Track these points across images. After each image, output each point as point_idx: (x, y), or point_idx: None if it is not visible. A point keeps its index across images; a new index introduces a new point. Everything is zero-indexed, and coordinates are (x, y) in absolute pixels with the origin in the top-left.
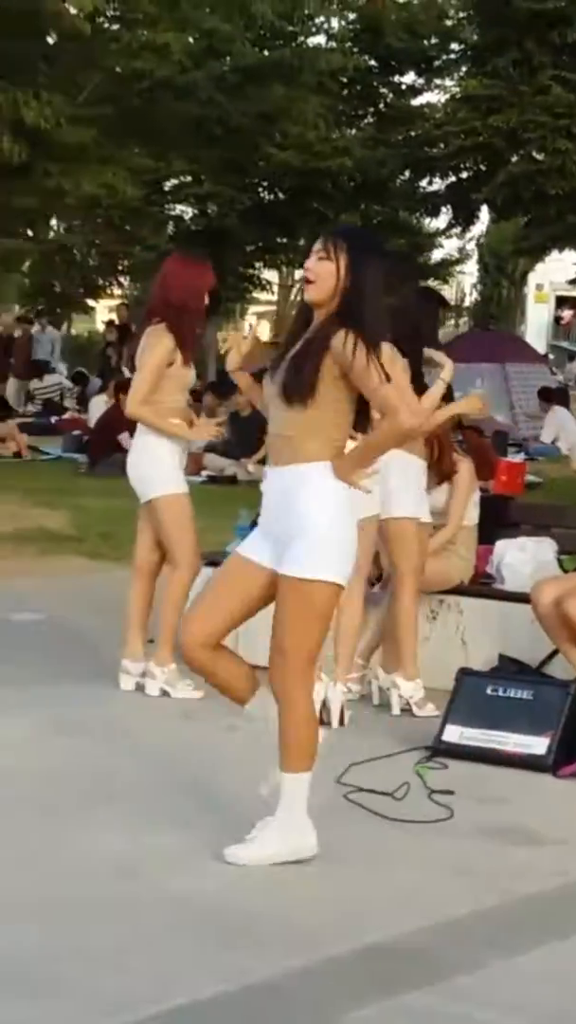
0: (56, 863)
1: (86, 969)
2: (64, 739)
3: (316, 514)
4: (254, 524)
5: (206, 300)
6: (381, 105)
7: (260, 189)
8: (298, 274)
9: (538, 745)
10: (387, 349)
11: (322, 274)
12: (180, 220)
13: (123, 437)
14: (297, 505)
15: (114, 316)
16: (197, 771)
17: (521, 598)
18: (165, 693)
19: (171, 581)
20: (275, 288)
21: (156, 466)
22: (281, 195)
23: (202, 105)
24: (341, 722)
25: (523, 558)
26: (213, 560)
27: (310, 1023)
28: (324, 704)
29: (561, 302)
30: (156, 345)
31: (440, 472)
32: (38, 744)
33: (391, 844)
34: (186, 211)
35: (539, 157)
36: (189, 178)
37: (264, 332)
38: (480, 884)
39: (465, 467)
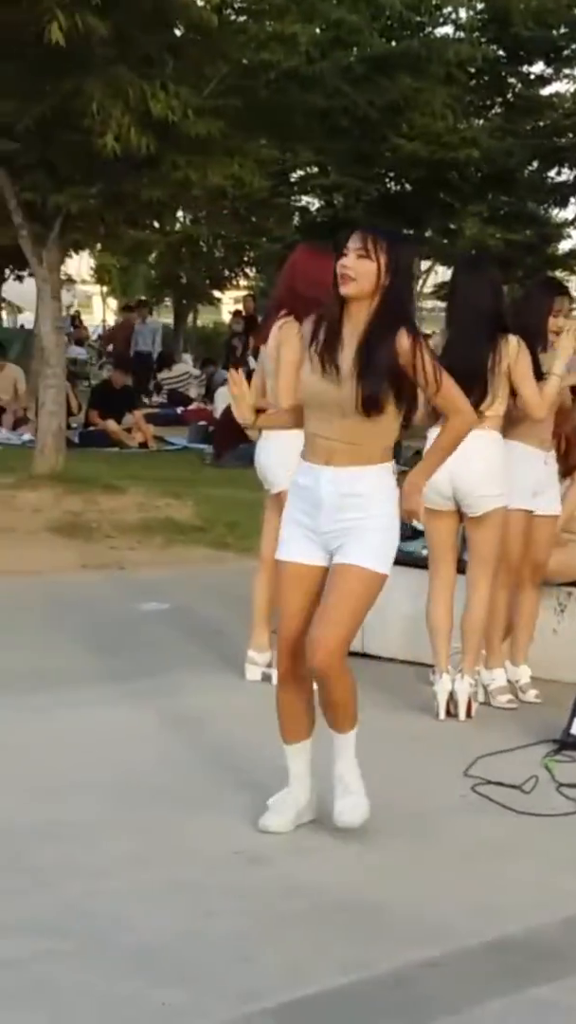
0: (186, 851)
1: (215, 957)
2: (191, 729)
3: (389, 513)
4: None
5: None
6: (509, 95)
7: (387, 180)
8: (424, 264)
9: None
10: (514, 342)
11: (362, 272)
12: (306, 211)
13: None
14: (367, 504)
15: (240, 307)
16: (326, 760)
17: None
18: (267, 678)
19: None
20: None
21: (285, 457)
22: (408, 186)
23: (329, 96)
24: (468, 714)
25: None
26: None
27: (437, 1015)
28: (451, 696)
29: None
30: (290, 338)
31: (567, 466)
32: (165, 734)
33: (520, 837)
34: (312, 202)
35: None
36: (315, 169)
37: None
38: None
39: None
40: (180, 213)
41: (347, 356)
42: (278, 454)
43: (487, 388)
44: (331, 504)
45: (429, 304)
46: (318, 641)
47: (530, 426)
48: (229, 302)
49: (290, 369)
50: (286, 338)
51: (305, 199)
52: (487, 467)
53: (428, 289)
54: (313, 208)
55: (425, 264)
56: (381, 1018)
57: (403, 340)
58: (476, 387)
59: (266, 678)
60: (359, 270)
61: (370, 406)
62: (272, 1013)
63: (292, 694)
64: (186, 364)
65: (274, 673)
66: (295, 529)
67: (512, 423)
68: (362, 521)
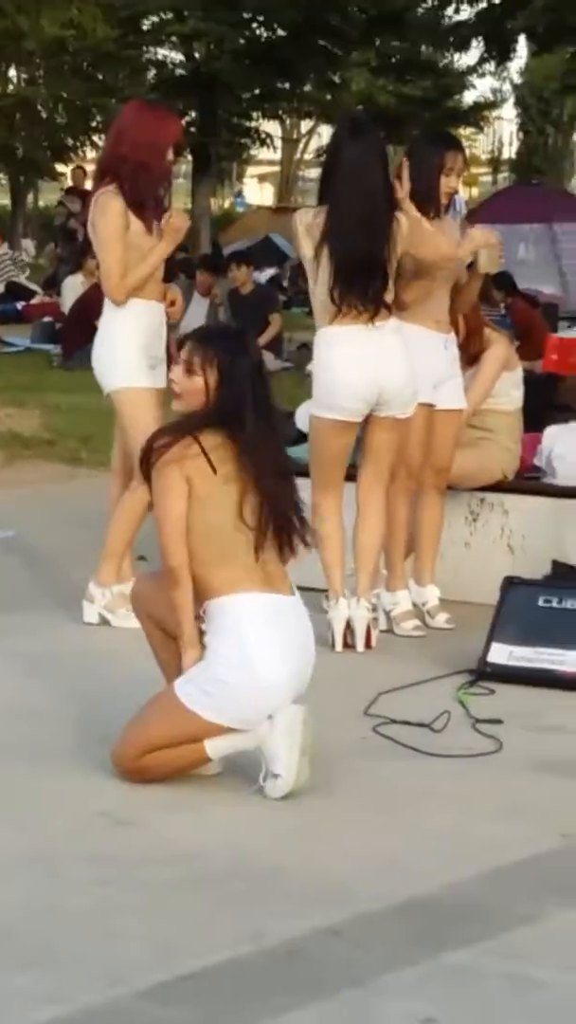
0: (39, 814)
1: (76, 934)
2: (42, 674)
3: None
4: None
5: (169, 156)
6: None
7: (255, 25)
8: (304, 126)
9: None
10: (405, 221)
11: (189, 388)
12: (162, 65)
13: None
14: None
15: (71, 181)
16: None
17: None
18: (104, 620)
19: (130, 489)
20: (278, 143)
21: (117, 352)
22: (280, 31)
23: None
24: (368, 644)
25: None
26: None
27: (339, 988)
28: (348, 625)
29: None
30: (104, 211)
31: (469, 355)
32: (12, 680)
33: (430, 783)
34: (169, 54)
35: None
36: (171, 15)
37: (267, 196)
38: (535, 826)
39: (499, 343)
40: (12, 72)
41: None
42: (108, 351)
43: (387, 276)
44: None
45: (312, 173)
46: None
47: (422, 305)
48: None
49: (114, 240)
50: (102, 210)
51: (160, 51)
52: (408, 361)
53: (309, 155)
54: (170, 62)
55: (306, 125)
56: (273, 995)
57: None
58: (376, 277)
59: (104, 620)
60: (185, 386)
61: None
62: (144, 996)
63: None
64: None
65: (111, 615)
66: None
67: (400, 304)
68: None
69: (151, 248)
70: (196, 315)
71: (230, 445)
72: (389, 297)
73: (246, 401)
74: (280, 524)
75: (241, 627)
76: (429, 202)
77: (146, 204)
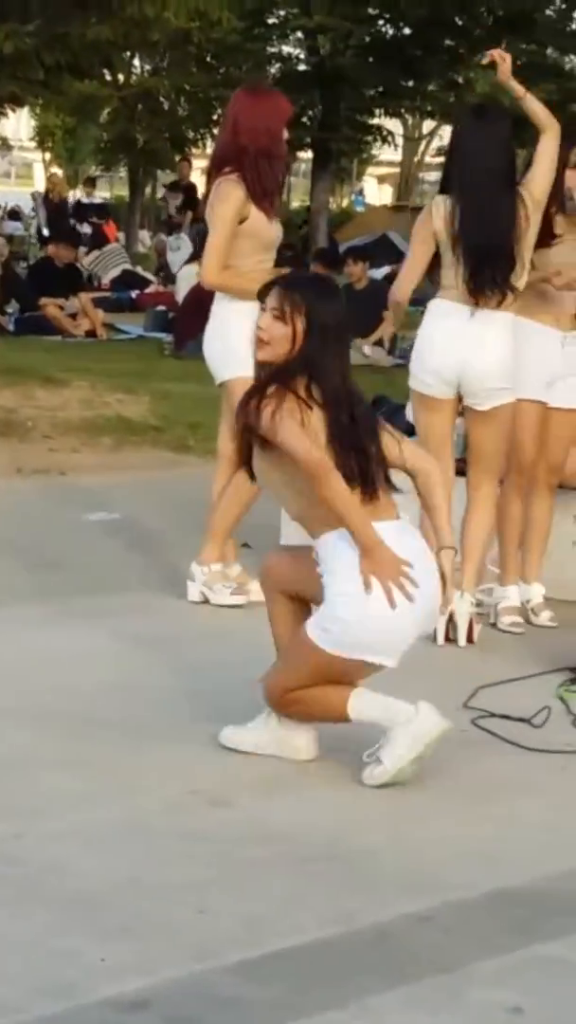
0: (135, 790)
1: (165, 908)
2: (142, 653)
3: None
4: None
5: (285, 138)
6: None
7: (381, 22)
8: (427, 127)
9: None
10: (529, 199)
11: (277, 335)
12: (286, 60)
13: None
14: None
15: (175, 176)
16: None
17: None
18: (205, 598)
19: (238, 474)
20: (399, 142)
21: (231, 342)
22: (406, 30)
23: None
24: (470, 639)
25: None
26: None
27: (426, 974)
28: (451, 619)
29: None
30: (225, 198)
31: None
32: (112, 658)
33: (528, 776)
34: (293, 49)
35: None
36: (296, 9)
37: (386, 197)
38: None
39: None
40: (136, 62)
41: None
42: (221, 341)
43: (515, 259)
44: None
45: (432, 176)
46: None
47: (542, 300)
48: (196, 169)
49: (225, 226)
50: (224, 195)
51: (284, 46)
52: (504, 355)
53: (430, 156)
54: (294, 56)
55: (428, 126)
56: (359, 975)
57: None
58: (503, 261)
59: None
60: (274, 334)
61: None
62: (230, 971)
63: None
64: (118, 244)
65: (209, 592)
66: None
67: (519, 296)
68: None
69: (271, 239)
70: None
71: (317, 390)
72: (519, 282)
73: (331, 349)
74: (361, 458)
75: (350, 562)
76: (555, 197)
77: (265, 188)
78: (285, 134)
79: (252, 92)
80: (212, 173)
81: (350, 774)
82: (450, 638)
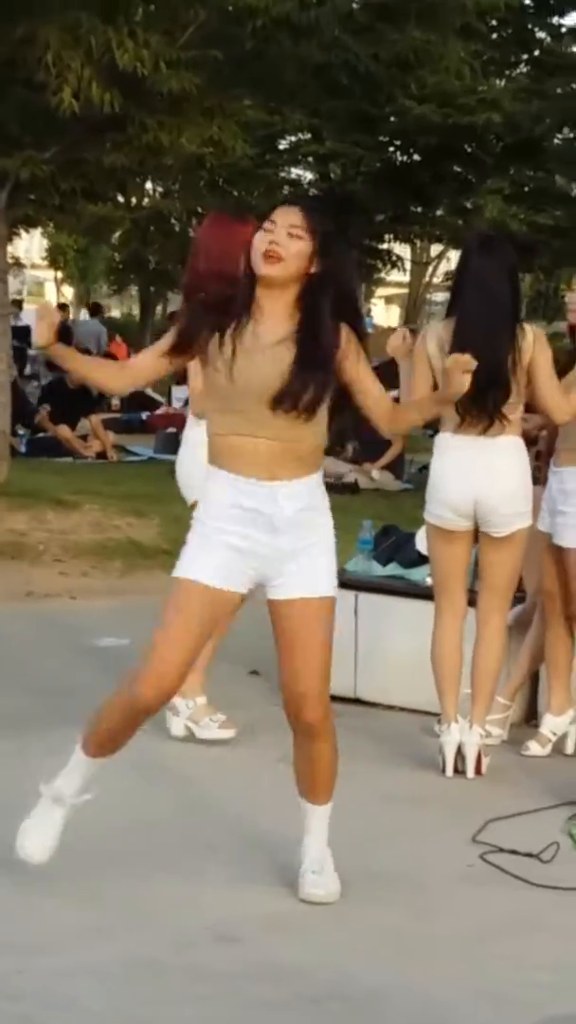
0: (144, 924)
1: None
2: (153, 782)
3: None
4: (380, 538)
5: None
6: (536, 51)
7: (392, 148)
8: (434, 250)
9: None
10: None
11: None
12: (297, 184)
13: None
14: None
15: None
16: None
17: None
18: (190, 732)
19: None
20: (408, 265)
21: (200, 467)
22: (416, 156)
23: (325, 48)
24: (478, 771)
25: None
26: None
27: None
28: (459, 750)
29: None
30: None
31: None
32: (123, 787)
33: (537, 914)
34: (304, 174)
35: None
36: (308, 135)
37: (393, 318)
38: None
39: None
40: (149, 184)
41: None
42: (190, 464)
43: (510, 388)
44: (287, 519)
45: (440, 296)
46: (313, 693)
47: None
48: None
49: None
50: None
51: (296, 170)
52: (518, 481)
53: (438, 278)
54: (305, 181)
55: (436, 249)
56: None
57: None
58: (498, 388)
59: (190, 733)
60: (290, 250)
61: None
62: None
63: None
64: None
65: (195, 727)
66: (211, 554)
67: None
68: (322, 539)
69: None
70: None
71: None
72: (510, 411)
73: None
74: None
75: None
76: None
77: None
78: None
79: (216, 217)
80: (184, 301)
81: (358, 911)
82: (459, 770)
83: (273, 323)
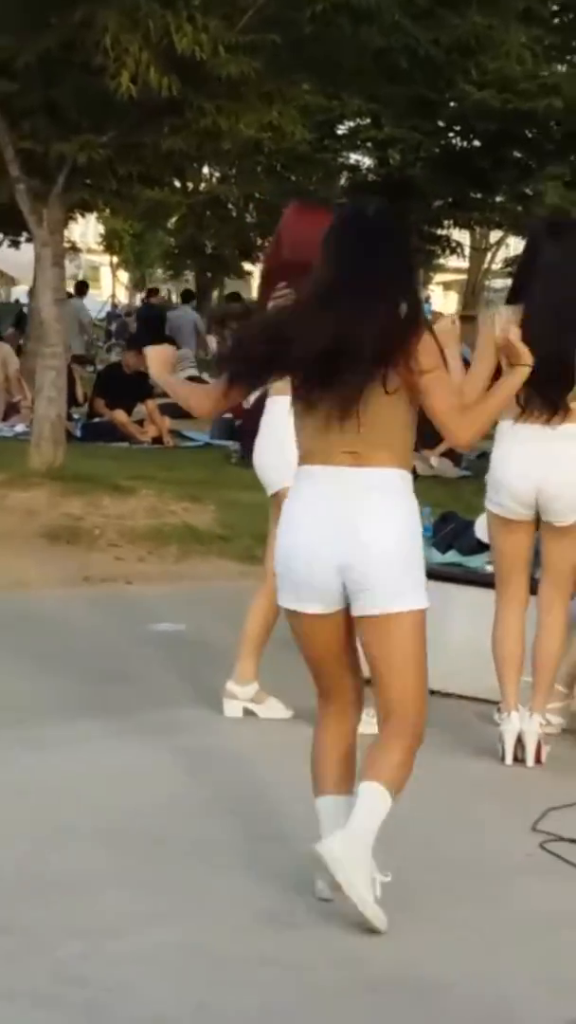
0: (202, 911)
1: None
2: (208, 770)
3: None
4: (439, 525)
5: None
6: None
7: (451, 134)
8: (493, 236)
9: None
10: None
11: None
12: (355, 169)
13: None
14: None
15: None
16: None
17: None
18: (250, 713)
19: (261, 590)
20: (467, 251)
21: (282, 452)
22: (476, 142)
23: (385, 33)
24: (538, 760)
25: None
26: None
27: None
28: (519, 739)
29: None
30: None
31: None
32: (178, 775)
33: None
34: (363, 159)
35: None
36: (367, 120)
37: (451, 304)
38: None
39: None
40: (206, 169)
41: None
42: (273, 451)
43: (574, 379)
44: None
45: (499, 284)
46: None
47: None
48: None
49: None
50: None
51: (354, 156)
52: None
53: (497, 265)
54: (364, 166)
55: (495, 235)
56: None
57: None
58: (565, 380)
59: (248, 713)
60: None
61: None
62: None
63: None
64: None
65: (258, 707)
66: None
67: None
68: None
69: None
70: None
71: None
72: (573, 399)
73: None
74: None
75: None
76: None
77: None
78: None
79: (298, 208)
80: (264, 287)
81: (418, 899)
82: (518, 758)
83: None
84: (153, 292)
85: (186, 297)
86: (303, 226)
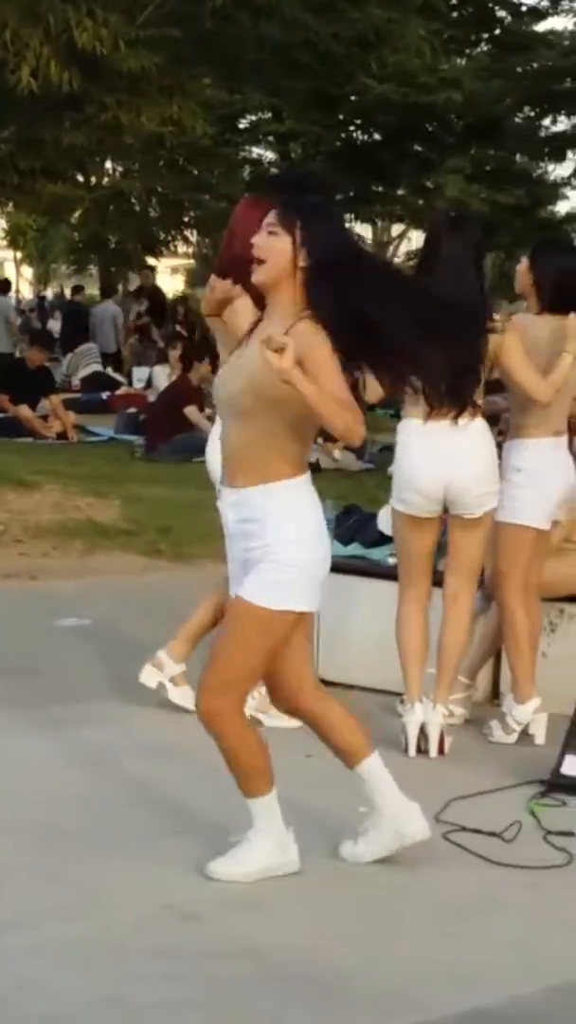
0: (107, 904)
1: None
2: (114, 763)
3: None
4: (342, 518)
5: None
6: (497, 30)
7: (352, 128)
8: (396, 229)
9: None
10: (497, 318)
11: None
12: (257, 163)
13: (190, 410)
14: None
15: (140, 281)
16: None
17: None
18: (256, 721)
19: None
20: (369, 244)
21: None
22: (377, 135)
23: (285, 27)
24: (441, 751)
25: None
26: None
27: None
28: (422, 730)
29: None
30: (238, 311)
31: None
32: (84, 768)
33: (499, 892)
34: (265, 153)
35: None
36: (268, 114)
37: None
38: None
39: None
40: (108, 164)
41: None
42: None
43: (480, 374)
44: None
45: None
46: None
47: (543, 415)
48: (166, 270)
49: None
50: (234, 311)
51: (256, 150)
52: (488, 462)
53: (399, 258)
54: (266, 160)
55: (397, 228)
56: None
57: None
58: (473, 374)
59: (161, 688)
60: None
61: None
62: None
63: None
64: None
65: (172, 689)
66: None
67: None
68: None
69: None
70: None
71: None
72: (478, 395)
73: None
74: None
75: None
76: None
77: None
78: None
79: (249, 202)
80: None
81: (323, 890)
82: (421, 749)
83: (270, 324)
84: (78, 289)
85: (105, 292)
86: (255, 219)
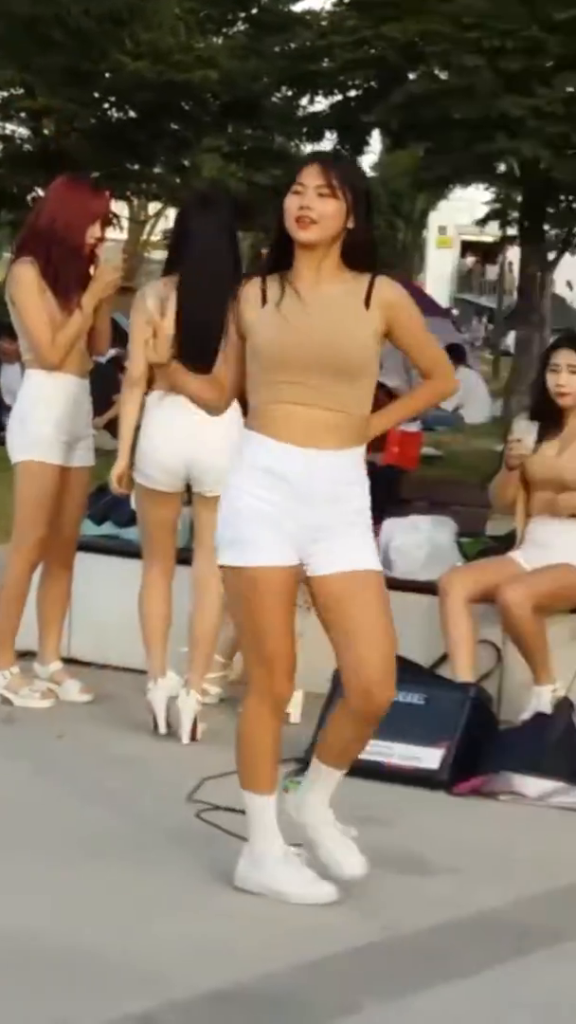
0: None
1: None
2: None
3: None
4: (95, 497)
5: (94, 235)
6: (254, 9)
7: (107, 105)
8: (152, 208)
9: (430, 758)
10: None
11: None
12: (9, 140)
13: None
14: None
15: None
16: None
17: (413, 587)
18: (6, 701)
19: (7, 564)
20: (124, 224)
21: (27, 425)
22: (132, 113)
23: (36, 2)
24: (193, 736)
25: (416, 540)
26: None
27: None
28: (168, 705)
29: (467, 248)
30: (19, 280)
31: None
32: None
33: None
34: (17, 129)
35: (442, 75)
36: (20, 90)
37: None
38: (358, 917)
39: None
40: None
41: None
42: (18, 421)
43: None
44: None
45: (158, 255)
46: (385, 672)
47: None
48: None
49: (34, 309)
50: (16, 280)
51: (9, 126)
52: (227, 438)
53: (156, 236)
54: (18, 137)
55: (153, 207)
56: None
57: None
58: (215, 352)
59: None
60: (322, 211)
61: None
62: None
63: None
64: None
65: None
66: (264, 528)
67: None
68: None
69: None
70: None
71: None
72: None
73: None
74: None
75: None
76: None
77: (61, 281)
78: (94, 231)
79: (68, 181)
80: (17, 255)
81: (76, 871)
82: (171, 725)
83: (318, 286)
84: None
85: None
86: (70, 203)
